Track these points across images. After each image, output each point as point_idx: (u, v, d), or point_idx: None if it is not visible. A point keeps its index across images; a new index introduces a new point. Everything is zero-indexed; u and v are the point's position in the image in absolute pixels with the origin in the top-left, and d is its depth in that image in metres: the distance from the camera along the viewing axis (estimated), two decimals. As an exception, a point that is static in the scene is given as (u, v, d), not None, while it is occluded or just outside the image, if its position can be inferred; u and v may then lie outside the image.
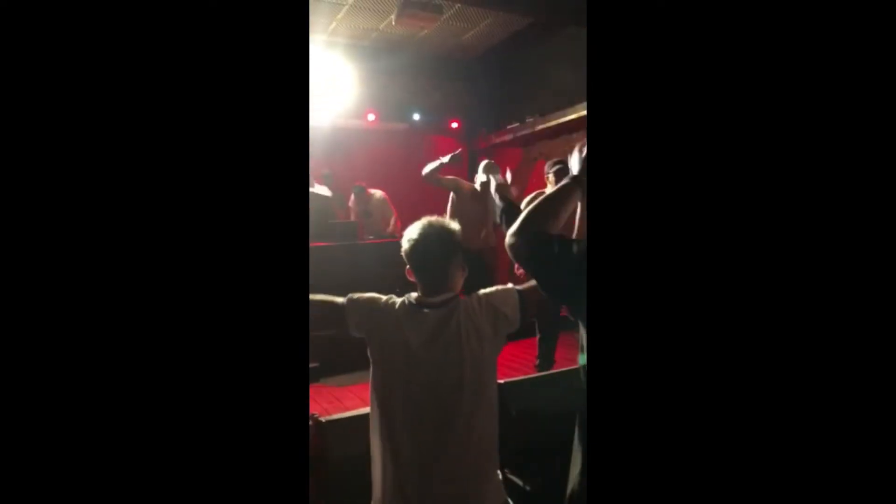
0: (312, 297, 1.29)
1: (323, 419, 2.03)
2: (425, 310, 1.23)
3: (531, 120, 5.68)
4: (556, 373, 2.57)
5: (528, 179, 5.64)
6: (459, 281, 1.31)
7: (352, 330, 1.28)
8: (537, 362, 3.29)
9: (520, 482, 1.79)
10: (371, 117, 6.00)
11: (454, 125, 6.49)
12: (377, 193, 4.99)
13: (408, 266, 1.30)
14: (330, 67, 5.41)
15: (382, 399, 1.24)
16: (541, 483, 1.77)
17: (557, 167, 2.89)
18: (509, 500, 1.29)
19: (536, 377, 2.54)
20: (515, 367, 3.44)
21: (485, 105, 6.60)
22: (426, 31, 5.31)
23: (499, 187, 1.55)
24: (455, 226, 1.31)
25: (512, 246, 1.04)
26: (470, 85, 6.60)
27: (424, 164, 3.49)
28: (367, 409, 1.32)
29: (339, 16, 5.01)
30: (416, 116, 6.29)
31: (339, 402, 3.21)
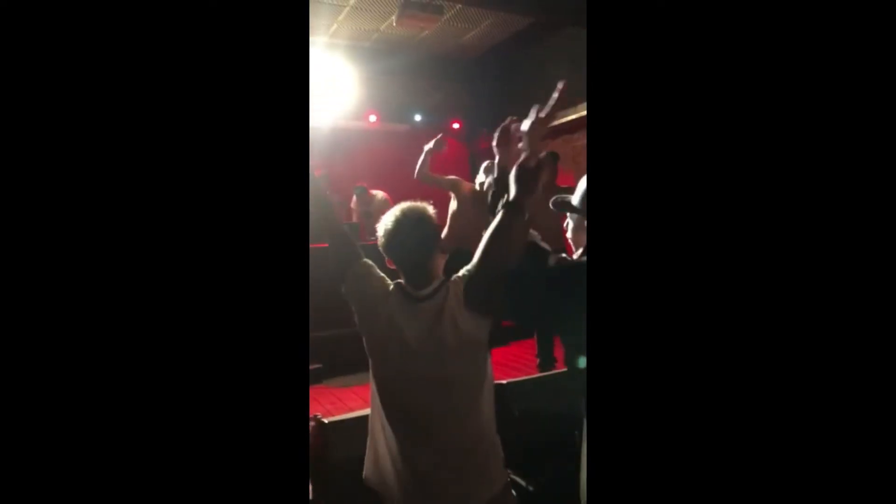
0: (343, 227, 1.27)
1: (325, 420, 2.03)
2: (416, 302, 1.21)
3: (532, 120, 5.68)
4: (559, 373, 2.57)
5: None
6: (441, 264, 1.27)
7: (345, 285, 1.24)
8: (539, 361, 3.29)
9: (522, 482, 1.79)
10: (372, 118, 6.01)
11: (455, 126, 6.50)
12: (379, 194, 5.01)
13: (387, 258, 1.26)
14: (331, 69, 5.42)
15: (381, 392, 1.24)
16: (543, 483, 1.77)
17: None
18: (514, 493, 1.29)
19: (539, 377, 2.54)
20: (518, 367, 3.44)
21: (486, 105, 6.60)
22: (427, 31, 5.32)
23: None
24: (430, 208, 1.27)
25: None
26: (471, 85, 6.60)
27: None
28: (369, 410, 1.33)
29: (340, 17, 5.02)
30: (418, 117, 6.30)
31: (342, 402, 3.22)
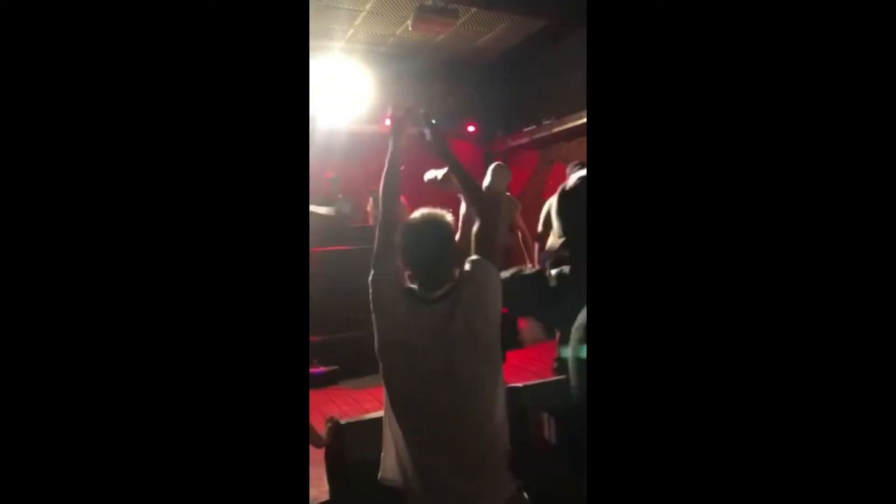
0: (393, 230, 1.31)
1: (342, 421, 2.05)
2: (427, 305, 1.24)
3: (548, 122, 5.67)
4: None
5: (546, 182, 5.62)
6: (455, 270, 1.30)
7: (371, 276, 1.28)
8: (555, 365, 3.27)
9: (535, 485, 1.79)
10: (388, 122, 6.05)
11: (470, 129, 6.51)
12: (394, 197, 5.01)
13: (403, 262, 1.29)
14: (347, 73, 5.47)
15: (391, 394, 1.25)
16: (555, 486, 1.77)
17: (579, 168, 2.89)
18: (526, 496, 1.29)
19: (555, 380, 2.53)
20: (532, 370, 3.43)
21: (501, 108, 6.60)
22: (442, 36, 5.34)
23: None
24: (448, 216, 1.31)
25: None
26: (486, 88, 6.61)
27: (441, 168, 3.50)
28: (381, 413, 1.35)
29: (357, 22, 5.07)
30: (433, 121, 6.33)
31: (358, 404, 3.24)
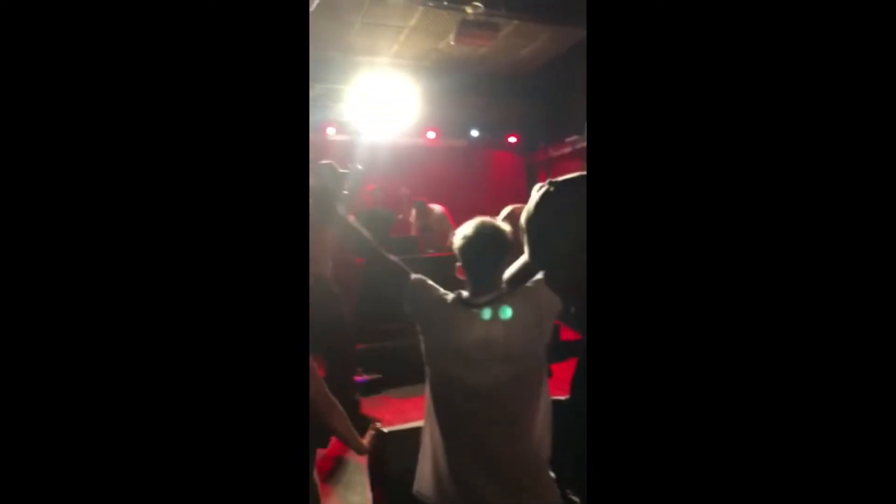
0: (390, 256, 1.35)
1: (384, 430, 2.07)
2: (474, 309, 1.25)
3: (591, 132, 5.60)
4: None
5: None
6: (502, 277, 1.32)
7: (405, 306, 1.32)
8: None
9: (577, 500, 1.76)
10: (431, 135, 6.14)
11: (512, 140, 6.51)
12: (437, 209, 5.08)
13: (459, 263, 1.32)
14: (392, 88, 5.59)
15: (435, 401, 1.27)
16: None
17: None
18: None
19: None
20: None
21: (543, 118, 6.58)
22: (484, 49, 5.39)
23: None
24: (507, 227, 1.32)
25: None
26: (528, 99, 6.61)
27: (483, 180, 3.51)
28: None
29: (401, 38, 5.18)
30: (475, 133, 6.37)
31: (402, 413, 3.26)
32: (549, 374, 1.33)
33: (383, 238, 4.39)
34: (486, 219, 1.33)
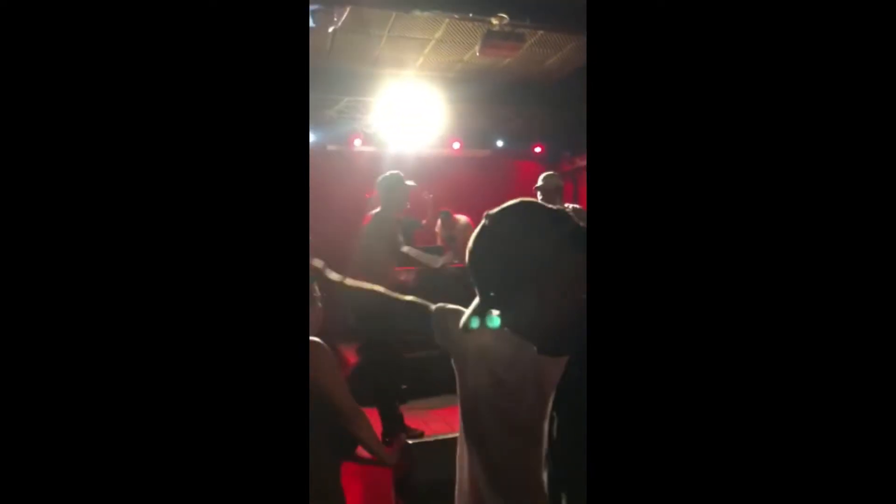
0: (404, 297, 1.33)
1: (409, 441, 2.07)
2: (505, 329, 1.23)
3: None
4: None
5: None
6: None
7: (437, 339, 1.30)
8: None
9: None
10: (456, 145, 6.17)
11: (537, 150, 6.50)
12: (462, 219, 5.10)
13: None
14: (418, 99, 5.65)
15: (465, 419, 1.25)
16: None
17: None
18: None
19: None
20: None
21: (568, 128, 6.55)
22: (509, 59, 5.40)
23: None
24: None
25: None
26: (553, 109, 6.60)
27: (508, 190, 3.52)
28: (452, 433, 1.34)
29: (426, 50, 5.24)
30: (500, 143, 6.38)
31: (426, 424, 3.25)
32: None
33: (408, 245, 4.41)
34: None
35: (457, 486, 1.29)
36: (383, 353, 3.33)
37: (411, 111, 5.63)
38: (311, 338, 1.56)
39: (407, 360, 3.60)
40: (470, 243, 1.07)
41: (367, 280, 3.41)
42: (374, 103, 5.73)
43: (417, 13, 4.12)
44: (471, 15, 4.23)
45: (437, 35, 4.91)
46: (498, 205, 0.93)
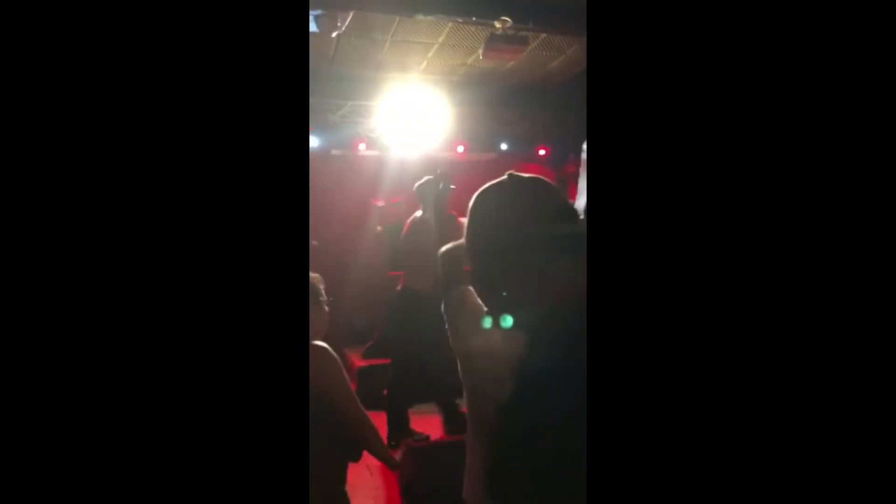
0: (457, 251, 1.32)
1: (413, 445, 2.07)
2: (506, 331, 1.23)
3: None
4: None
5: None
6: None
7: (443, 305, 1.29)
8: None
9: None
10: (460, 149, 6.18)
11: (542, 152, 6.49)
12: (467, 223, 5.09)
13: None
14: (422, 103, 5.66)
15: (472, 416, 1.25)
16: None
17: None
18: None
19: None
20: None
21: (572, 131, 6.54)
22: (512, 62, 5.41)
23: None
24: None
25: None
26: (557, 112, 6.59)
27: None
28: (457, 437, 1.34)
29: (430, 54, 5.25)
30: (504, 146, 6.38)
31: (429, 428, 3.25)
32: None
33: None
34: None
35: (464, 489, 1.28)
36: (403, 354, 3.33)
37: (415, 115, 5.64)
38: (318, 343, 1.57)
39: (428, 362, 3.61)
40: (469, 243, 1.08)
41: (417, 286, 3.48)
42: (378, 107, 5.74)
43: (421, 17, 4.14)
44: (474, 19, 4.25)
45: (441, 39, 4.92)
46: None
